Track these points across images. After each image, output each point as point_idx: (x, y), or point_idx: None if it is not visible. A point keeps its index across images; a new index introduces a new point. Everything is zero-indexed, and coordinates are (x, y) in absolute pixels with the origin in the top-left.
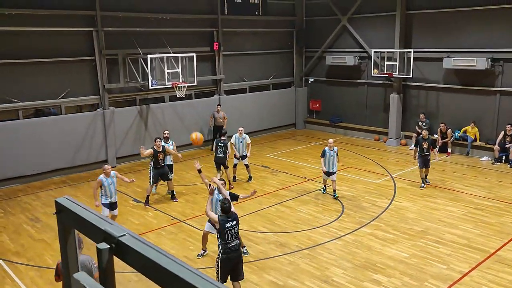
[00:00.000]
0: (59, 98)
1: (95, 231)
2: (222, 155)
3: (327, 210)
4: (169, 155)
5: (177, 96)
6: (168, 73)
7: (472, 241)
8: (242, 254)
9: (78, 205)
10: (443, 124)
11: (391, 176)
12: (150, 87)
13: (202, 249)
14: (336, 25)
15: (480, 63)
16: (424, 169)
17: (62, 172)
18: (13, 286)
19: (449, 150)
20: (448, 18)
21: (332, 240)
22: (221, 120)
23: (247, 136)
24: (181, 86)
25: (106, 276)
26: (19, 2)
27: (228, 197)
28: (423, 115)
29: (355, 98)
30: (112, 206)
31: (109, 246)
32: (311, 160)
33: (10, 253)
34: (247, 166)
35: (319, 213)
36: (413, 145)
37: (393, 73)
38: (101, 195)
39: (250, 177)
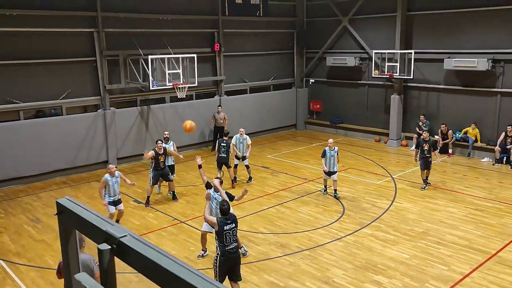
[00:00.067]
0: (60, 99)
1: (96, 232)
2: (225, 155)
3: (328, 211)
4: (170, 156)
5: (178, 97)
6: (169, 74)
7: (473, 242)
8: (241, 255)
9: (79, 205)
10: (443, 125)
11: (391, 177)
12: (151, 88)
13: (202, 250)
14: (337, 26)
15: (481, 64)
16: (425, 170)
17: (63, 173)
18: (14, 287)
19: (450, 151)
20: (449, 19)
21: (333, 241)
22: (222, 121)
23: (247, 137)
24: (181, 87)
25: (107, 277)
26: (20, 3)
27: (227, 198)
28: (423, 116)
29: (355, 99)
30: (115, 203)
31: (110, 247)
32: (311, 161)
33: (10, 254)
34: (247, 166)
35: (319, 214)
36: (413, 146)
37: (394, 74)
38: (105, 194)
39: (250, 178)
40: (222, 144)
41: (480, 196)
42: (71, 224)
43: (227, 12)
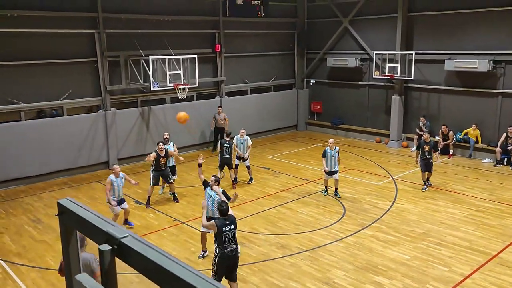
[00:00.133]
0: (61, 100)
1: (97, 232)
2: (228, 156)
3: (329, 212)
4: (172, 157)
5: (179, 97)
6: (169, 74)
7: (474, 243)
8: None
9: (80, 206)
10: (444, 126)
11: (392, 178)
12: (152, 89)
13: (202, 250)
14: (337, 27)
15: (481, 65)
16: (426, 172)
17: (64, 173)
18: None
19: (451, 152)
20: (450, 20)
21: (334, 242)
22: (222, 122)
23: (248, 138)
24: (182, 88)
25: (108, 278)
26: (21, 4)
27: (223, 197)
28: (423, 117)
29: (356, 100)
30: (119, 202)
31: (111, 248)
32: (312, 162)
33: (11, 254)
34: (248, 167)
35: (320, 215)
36: (414, 147)
37: (395, 75)
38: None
39: (251, 179)
40: (225, 145)
41: (481, 197)
42: (72, 225)
43: (228, 13)
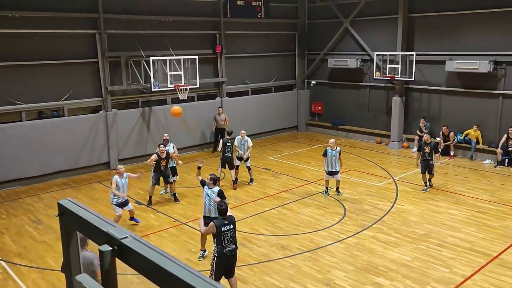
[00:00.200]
0: (62, 100)
1: (97, 233)
2: (230, 155)
3: (329, 213)
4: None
5: (180, 98)
6: (170, 75)
7: (475, 244)
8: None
9: (81, 207)
10: (445, 127)
11: (393, 178)
12: (153, 90)
13: (202, 250)
14: (338, 28)
15: (482, 66)
16: (426, 173)
17: (65, 174)
18: None
19: (452, 153)
20: (451, 21)
21: (334, 242)
22: (223, 123)
23: (249, 139)
24: (183, 89)
25: (108, 278)
26: (22, 5)
27: (219, 199)
28: (423, 119)
29: (357, 101)
30: (124, 203)
31: (111, 248)
32: (313, 163)
33: (12, 255)
34: (249, 168)
35: (321, 215)
36: (415, 148)
37: (395, 76)
38: (113, 197)
39: (251, 180)
40: (228, 144)
41: (482, 198)
42: (72, 225)
43: (228, 14)
